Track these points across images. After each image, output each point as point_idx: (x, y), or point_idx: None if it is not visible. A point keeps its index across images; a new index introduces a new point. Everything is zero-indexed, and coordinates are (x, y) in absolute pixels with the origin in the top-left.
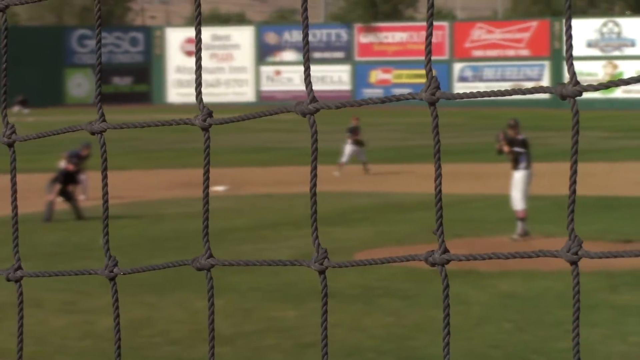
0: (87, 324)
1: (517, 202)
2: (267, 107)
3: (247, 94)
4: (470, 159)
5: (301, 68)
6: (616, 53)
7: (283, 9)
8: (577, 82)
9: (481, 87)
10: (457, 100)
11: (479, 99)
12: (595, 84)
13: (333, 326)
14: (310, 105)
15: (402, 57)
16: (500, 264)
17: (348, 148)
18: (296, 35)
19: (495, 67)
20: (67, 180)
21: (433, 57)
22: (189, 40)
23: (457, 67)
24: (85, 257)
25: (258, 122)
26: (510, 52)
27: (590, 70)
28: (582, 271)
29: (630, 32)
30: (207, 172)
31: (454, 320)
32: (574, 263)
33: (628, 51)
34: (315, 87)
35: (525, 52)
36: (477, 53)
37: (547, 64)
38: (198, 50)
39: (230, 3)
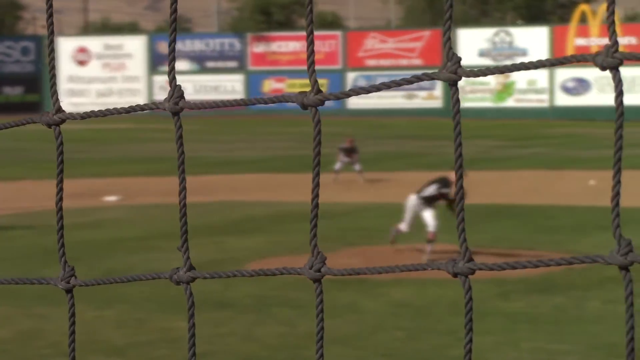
0: None
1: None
2: (160, 117)
3: (139, 103)
4: (364, 169)
5: (194, 78)
6: (508, 62)
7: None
8: (320, 91)
9: (373, 96)
10: (349, 109)
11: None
12: (339, 93)
13: (226, 336)
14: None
15: (295, 67)
16: (392, 272)
17: (340, 164)
18: (189, 45)
19: (388, 76)
20: None
21: (327, 67)
22: (80, 50)
23: (351, 76)
24: None
25: (149, 131)
26: (404, 62)
27: (482, 80)
28: (473, 279)
29: (522, 41)
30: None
31: (347, 329)
32: (317, 280)
33: (520, 60)
34: (208, 96)
35: (418, 62)
36: (371, 62)
37: None
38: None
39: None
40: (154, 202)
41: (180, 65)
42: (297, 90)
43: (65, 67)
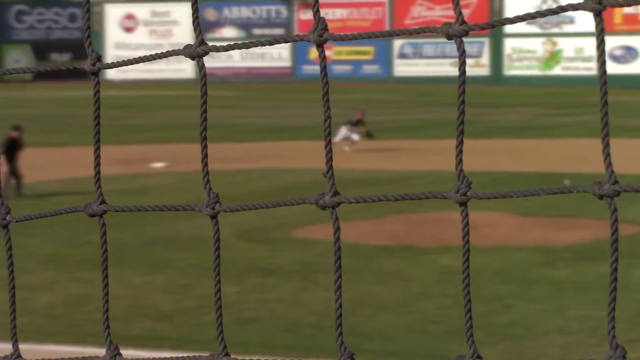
0: (26, 300)
1: None
2: (208, 83)
3: (186, 71)
4: (411, 136)
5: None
6: (555, 30)
7: None
8: (464, 22)
9: (420, 63)
10: (396, 77)
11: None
12: (481, 24)
13: (273, 302)
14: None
15: (365, 32)
16: (440, 240)
17: (343, 130)
18: (236, 12)
19: (435, 44)
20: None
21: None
22: (127, 17)
23: (397, 44)
24: (24, 234)
25: (196, 98)
26: None
27: (529, 47)
28: (521, 246)
29: None
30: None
31: (393, 296)
32: (462, 204)
33: (567, 28)
34: (254, 64)
35: None
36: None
37: (486, 40)
38: None
39: None
40: (199, 169)
41: (227, 32)
42: (344, 57)
43: (112, 33)
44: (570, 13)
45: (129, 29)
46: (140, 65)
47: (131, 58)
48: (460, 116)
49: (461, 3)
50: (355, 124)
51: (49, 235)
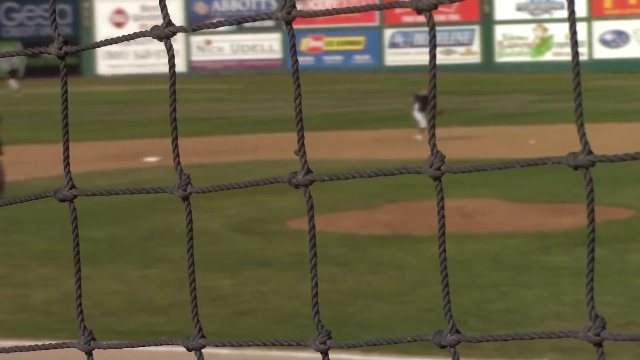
0: (21, 297)
1: None
2: (199, 77)
3: (177, 65)
4: (403, 125)
5: (231, 38)
6: (546, 16)
7: None
8: None
9: (412, 52)
10: (387, 66)
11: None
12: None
13: (269, 293)
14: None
15: (332, 25)
16: (435, 228)
17: (418, 115)
18: (225, 4)
19: (425, 32)
20: None
21: (364, 24)
22: (117, 12)
23: (388, 33)
24: (18, 230)
25: (188, 92)
26: (441, 18)
27: (520, 34)
28: (516, 233)
29: None
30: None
31: (390, 286)
32: (437, 178)
33: (557, 14)
34: (245, 56)
35: (455, 17)
36: (408, 19)
37: (477, 28)
38: None
39: None
40: (193, 163)
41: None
42: (334, 48)
43: (103, 29)
44: None
45: (119, 24)
46: (131, 60)
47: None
48: (432, 90)
49: None
50: (422, 99)
51: (43, 231)
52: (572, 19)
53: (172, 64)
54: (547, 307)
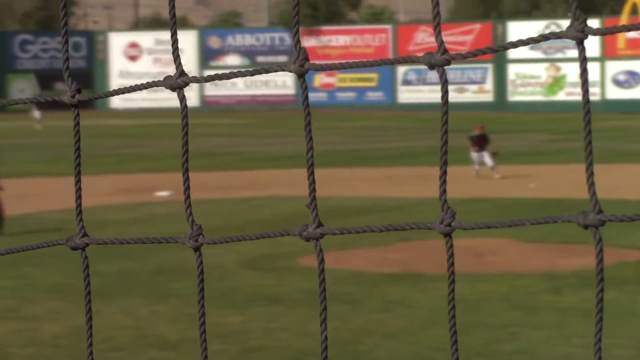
0: (31, 330)
1: None
2: (212, 111)
3: (191, 99)
4: (415, 163)
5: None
6: (559, 55)
7: (226, 13)
8: (446, 51)
9: (425, 90)
10: (400, 103)
11: (424, 102)
12: (463, 52)
13: (279, 330)
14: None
15: (346, 61)
16: (445, 266)
17: (474, 155)
18: (239, 39)
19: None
20: None
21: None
22: (131, 45)
23: (401, 70)
24: (29, 264)
25: (201, 126)
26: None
27: (533, 73)
28: (526, 273)
29: None
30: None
31: (400, 324)
32: (447, 235)
33: (570, 53)
34: (258, 91)
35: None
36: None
37: (490, 66)
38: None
39: None
40: (205, 197)
41: (231, 60)
42: (347, 84)
43: (117, 62)
44: None
45: (133, 58)
46: (144, 94)
47: (116, 95)
48: (444, 146)
49: (465, 29)
50: (478, 140)
51: (54, 265)
52: (583, 70)
53: (184, 114)
54: (557, 348)
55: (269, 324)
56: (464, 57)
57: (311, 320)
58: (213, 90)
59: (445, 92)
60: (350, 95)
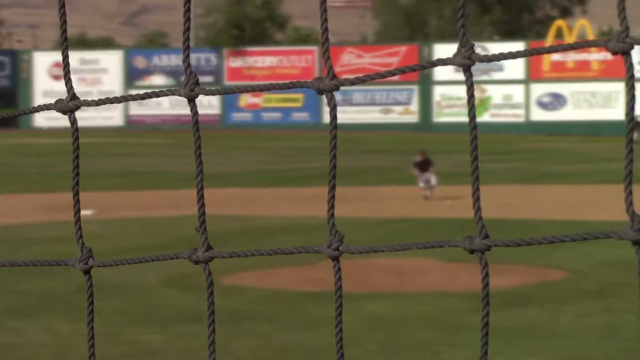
0: None
1: None
2: (137, 131)
3: (115, 118)
4: (340, 183)
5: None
6: (484, 77)
7: (152, 33)
8: (335, 76)
9: (350, 110)
10: (325, 124)
11: (349, 123)
12: (352, 78)
13: (200, 350)
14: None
15: (271, 82)
16: (368, 286)
17: (419, 177)
18: (165, 59)
19: (364, 91)
20: None
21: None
22: (56, 64)
23: None
24: None
25: (125, 146)
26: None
27: (459, 95)
28: (448, 292)
29: None
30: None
31: (321, 342)
32: (335, 259)
33: (496, 75)
34: (183, 111)
35: (394, 77)
36: (347, 77)
37: (415, 88)
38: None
39: (98, 27)
40: (128, 216)
41: (157, 80)
42: (273, 105)
43: (41, 81)
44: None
45: (57, 77)
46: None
47: (118, 102)
48: (332, 170)
49: (391, 51)
50: (422, 165)
51: None
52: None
53: (76, 137)
54: None
55: (190, 343)
56: (352, 83)
57: (232, 338)
58: (138, 109)
59: (333, 118)
60: (276, 115)
